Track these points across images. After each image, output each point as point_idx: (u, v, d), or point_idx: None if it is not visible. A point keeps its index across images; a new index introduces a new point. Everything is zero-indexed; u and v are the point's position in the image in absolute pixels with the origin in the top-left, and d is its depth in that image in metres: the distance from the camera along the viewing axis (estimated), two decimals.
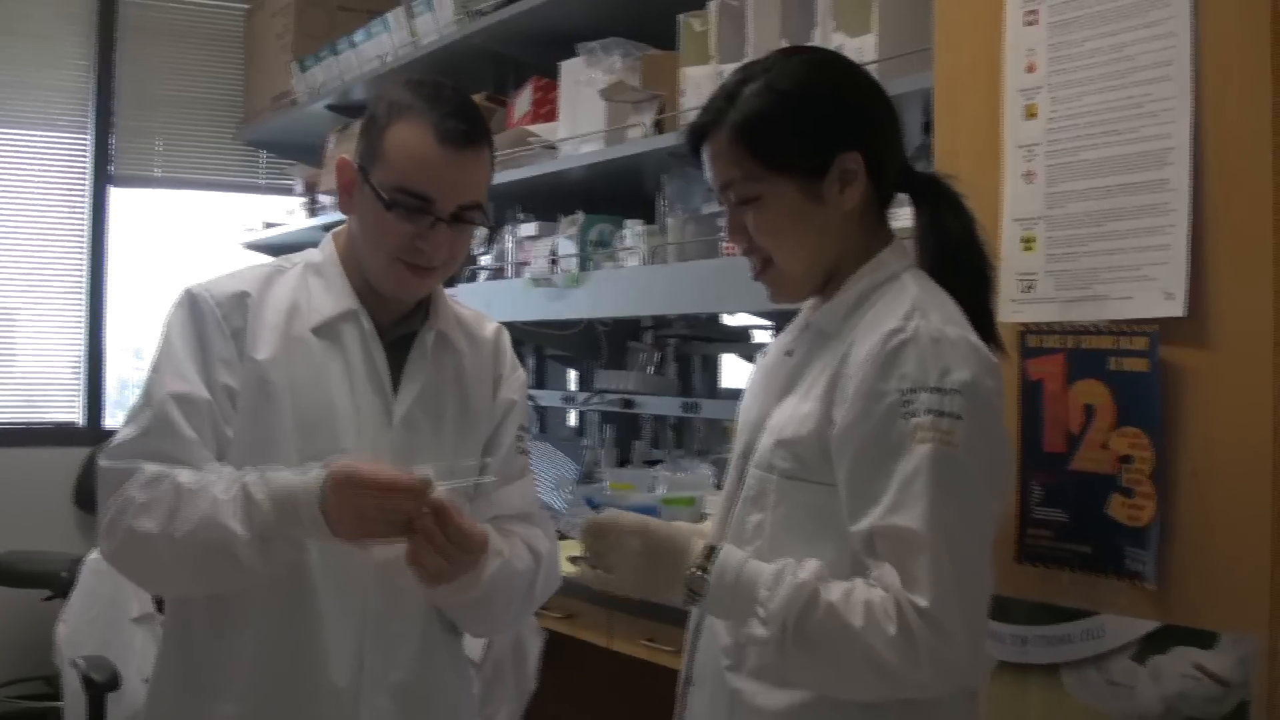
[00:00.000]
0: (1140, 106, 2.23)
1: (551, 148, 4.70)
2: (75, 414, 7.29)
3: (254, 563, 2.18)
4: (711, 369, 5.30)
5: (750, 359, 4.51)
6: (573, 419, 5.84)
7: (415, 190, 2.30)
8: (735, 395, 2.42)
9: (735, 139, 2.12)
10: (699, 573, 2.01)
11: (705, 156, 2.18)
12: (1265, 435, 2.06)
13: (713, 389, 5.21)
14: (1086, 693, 2.28)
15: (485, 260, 5.24)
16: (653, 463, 4.96)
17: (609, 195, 4.86)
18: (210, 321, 2.34)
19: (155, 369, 2.34)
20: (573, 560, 2.19)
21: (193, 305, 2.36)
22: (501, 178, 4.76)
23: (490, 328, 2.60)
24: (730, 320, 5.11)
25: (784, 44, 3.54)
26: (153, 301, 7.37)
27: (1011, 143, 2.44)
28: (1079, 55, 2.34)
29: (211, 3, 7.55)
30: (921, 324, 1.99)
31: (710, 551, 2.02)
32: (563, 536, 3.42)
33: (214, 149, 7.61)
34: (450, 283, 5.19)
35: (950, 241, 2.16)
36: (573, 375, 5.88)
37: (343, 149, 6.18)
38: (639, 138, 4.20)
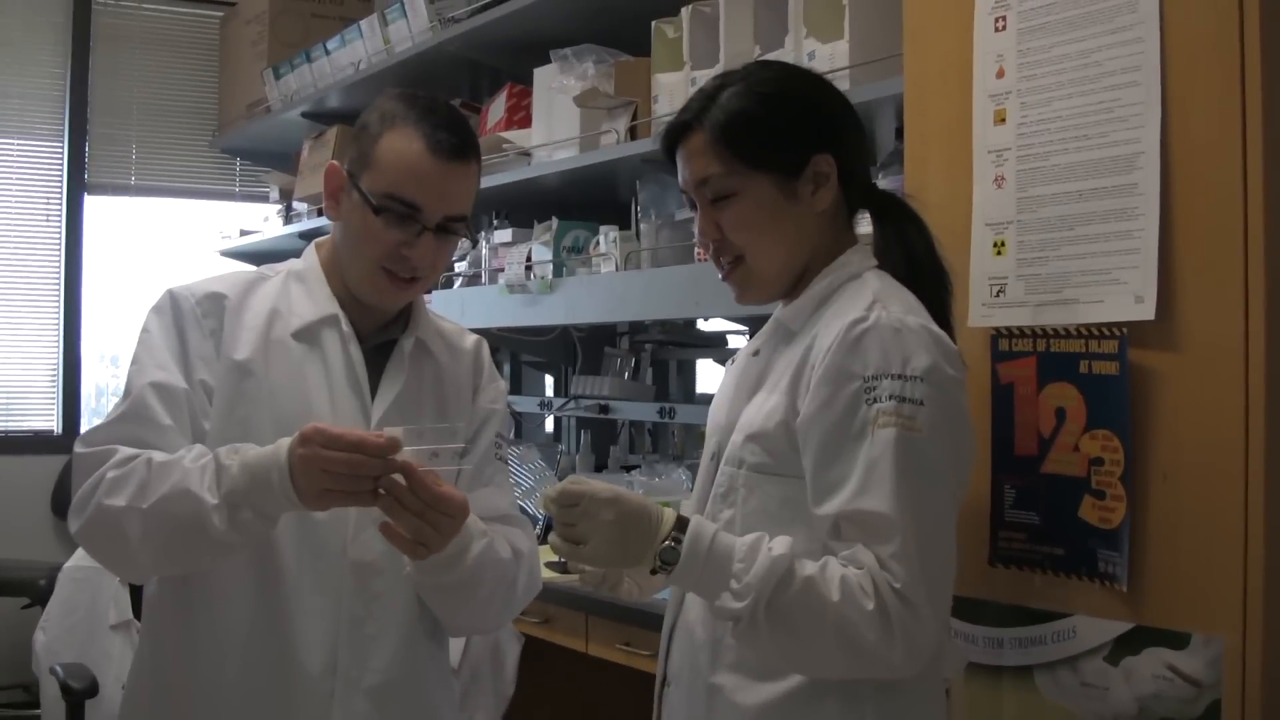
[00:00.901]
0: (1109, 111, 2.25)
1: (526, 154, 4.70)
2: (51, 422, 7.28)
3: (223, 533, 2.14)
4: (687, 374, 5.31)
5: (725, 364, 4.55)
6: (549, 425, 5.85)
7: (404, 198, 2.31)
8: (711, 400, 2.43)
9: (716, 136, 2.17)
10: (671, 543, 2.01)
11: (682, 155, 2.23)
12: (1235, 437, 2.07)
13: (689, 394, 5.23)
14: (1060, 694, 2.29)
15: (460, 266, 5.24)
16: (629, 468, 4.97)
17: (584, 201, 4.87)
18: (190, 319, 2.36)
19: (135, 361, 2.35)
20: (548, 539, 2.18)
21: (173, 303, 2.38)
22: None
23: (470, 340, 2.61)
24: (706, 325, 5.12)
25: (756, 50, 3.59)
26: (128, 309, 7.38)
27: (981, 148, 2.46)
28: (1048, 61, 2.35)
29: (185, 11, 7.54)
30: (883, 314, 2.04)
31: (682, 522, 2.03)
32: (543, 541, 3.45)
33: (189, 156, 7.59)
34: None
35: (911, 258, 2.20)
36: (549, 381, 5.88)
37: (317, 156, 6.20)
38: (613, 144, 4.20)
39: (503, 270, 4.81)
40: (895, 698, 2.04)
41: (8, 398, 7.25)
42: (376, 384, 2.43)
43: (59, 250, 7.21)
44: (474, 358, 2.58)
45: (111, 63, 7.33)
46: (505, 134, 4.85)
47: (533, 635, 4.06)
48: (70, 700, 4.05)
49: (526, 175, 4.67)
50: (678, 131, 2.24)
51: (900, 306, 2.06)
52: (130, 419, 2.28)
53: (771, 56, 3.51)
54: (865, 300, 2.07)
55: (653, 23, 4.03)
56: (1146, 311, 2.17)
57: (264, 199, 7.26)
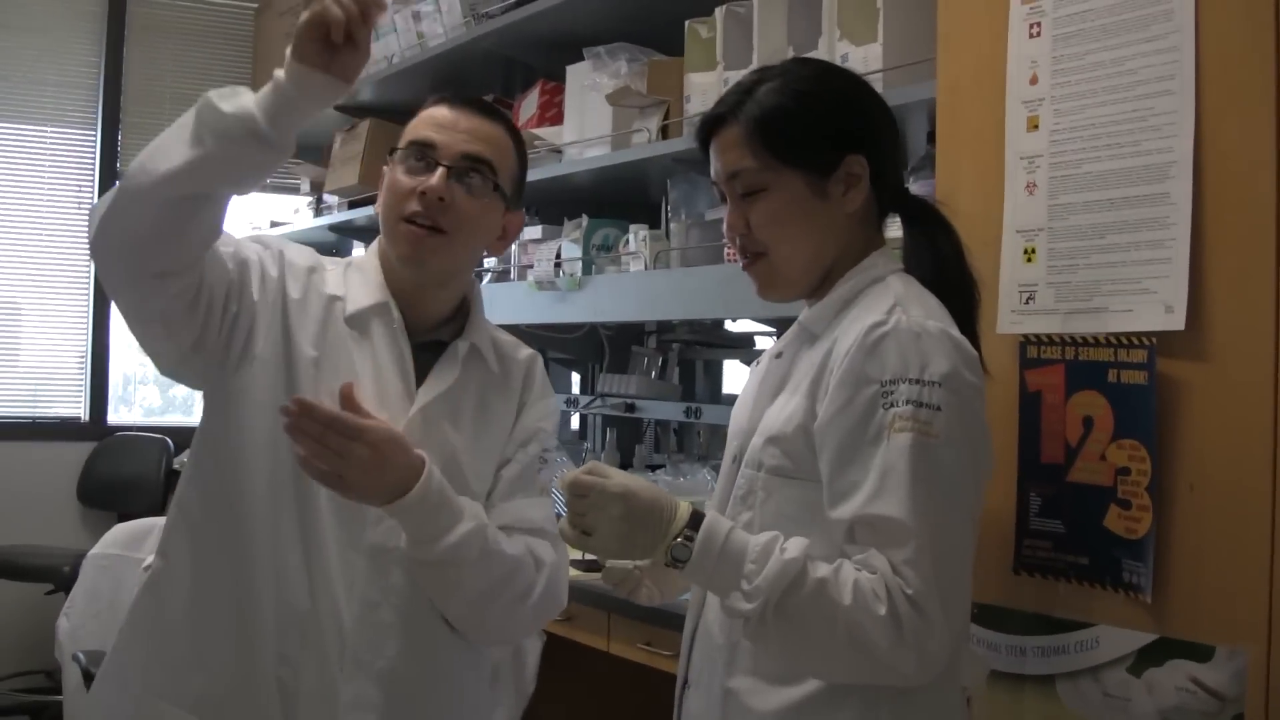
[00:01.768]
0: (1143, 120, 2.24)
1: (557, 151, 4.69)
2: (79, 409, 7.32)
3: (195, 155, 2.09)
4: (714, 374, 5.30)
5: (751, 364, 4.54)
6: (575, 422, 5.84)
7: (419, 138, 2.40)
8: (736, 401, 2.43)
9: (751, 130, 2.18)
10: (684, 540, 2.01)
11: (715, 147, 2.24)
12: (1262, 450, 2.06)
13: (715, 394, 5.21)
14: (1082, 704, 2.28)
15: (490, 262, 5.24)
16: (654, 467, 4.96)
17: (614, 199, 4.86)
18: (289, 272, 2.43)
19: None
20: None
21: (283, 254, 2.45)
22: None
23: (525, 353, 2.63)
24: (733, 326, 5.11)
25: (790, 51, 3.56)
26: None
27: (1013, 154, 2.45)
28: (1082, 68, 2.35)
29: (220, 2, 7.57)
30: (902, 318, 2.03)
31: (697, 519, 2.03)
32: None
33: None
34: None
35: (939, 265, 2.19)
36: (575, 378, 5.88)
37: (348, 149, 6.20)
38: (644, 142, 4.18)
39: (531, 267, 4.81)
40: (913, 705, 2.03)
41: (36, 384, 7.29)
42: (421, 378, 2.44)
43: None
44: (525, 371, 2.60)
45: (146, 53, 7.38)
46: (537, 130, 4.85)
47: (554, 633, 4.05)
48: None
49: (557, 172, 4.64)
50: (713, 123, 2.24)
51: (921, 311, 2.06)
52: None
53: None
54: (886, 304, 2.07)
55: (686, 22, 4.01)
56: (1176, 322, 2.16)
57: (294, 191, 7.25)
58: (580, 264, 4.53)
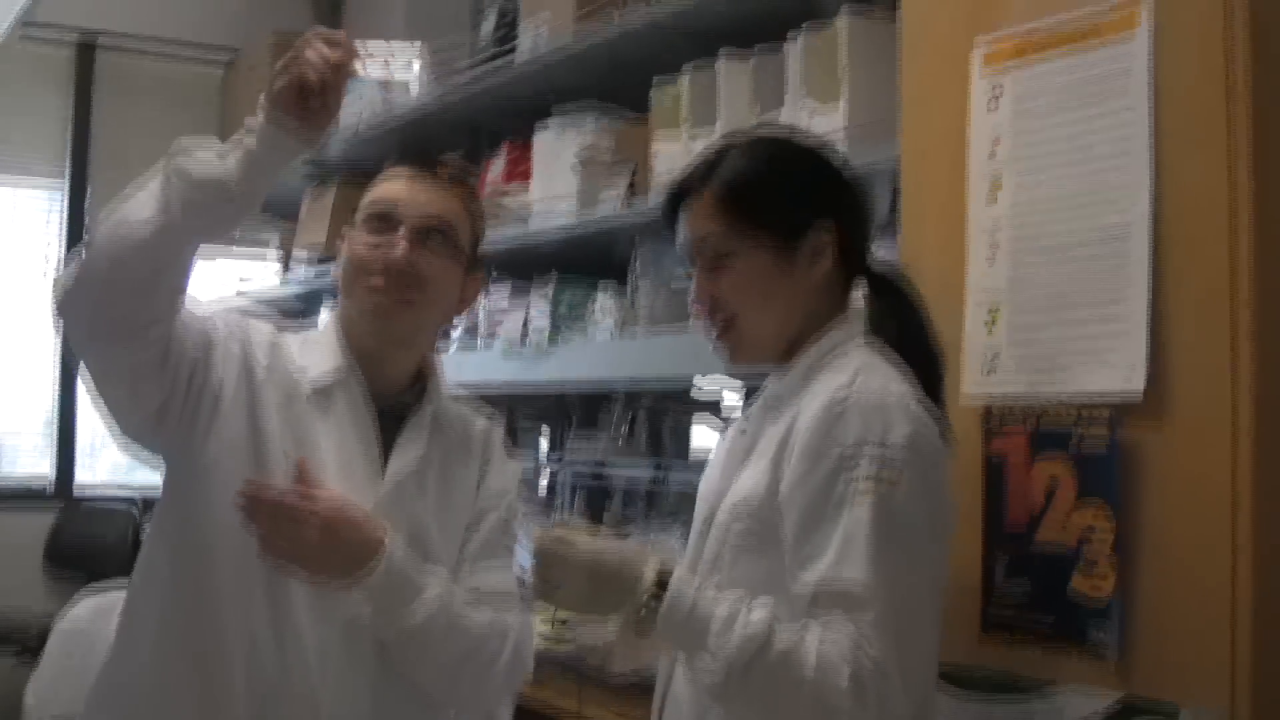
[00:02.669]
0: (1098, 192, 2.29)
1: (523, 214, 4.73)
2: (45, 472, 7.32)
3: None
4: (683, 435, 5.32)
5: (722, 423, 4.55)
6: (544, 483, 5.87)
7: (379, 201, 2.47)
8: (706, 462, 2.47)
9: (719, 196, 2.23)
10: (649, 604, 2.05)
11: (683, 215, 2.28)
12: (1223, 513, 2.09)
13: (684, 455, 5.24)
14: None
15: (456, 322, 5.27)
16: (625, 522, 4.98)
17: (583, 257, 4.85)
18: (250, 346, 2.44)
19: None
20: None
21: (247, 324, 2.49)
22: None
23: (482, 421, 2.65)
24: (703, 386, 5.14)
25: (755, 110, 3.62)
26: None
27: (975, 223, 2.50)
28: (1041, 140, 2.40)
29: (188, 63, 7.60)
30: (864, 388, 2.08)
31: (664, 579, 2.06)
32: None
33: None
34: None
35: (904, 333, 2.25)
36: (544, 440, 5.90)
37: (317, 206, 6.23)
38: (612, 200, 4.24)
39: (499, 327, 4.85)
40: None
41: (4, 450, 7.29)
42: (387, 446, 2.47)
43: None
44: (484, 440, 2.63)
45: (114, 111, 7.40)
46: (505, 188, 4.89)
47: (527, 695, 4.04)
48: None
49: (523, 234, 4.70)
50: (681, 193, 2.29)
51: (882, 380, 2.11)
52: None
53: (770, 117, 3.56)
54: (848, 374, 2.11)
55: (653, 81, 4.06)
56: (1135, 387, 2.20)
57: (264, 247, 7.25)
58: (547, 327, 4.57)
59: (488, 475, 2.60)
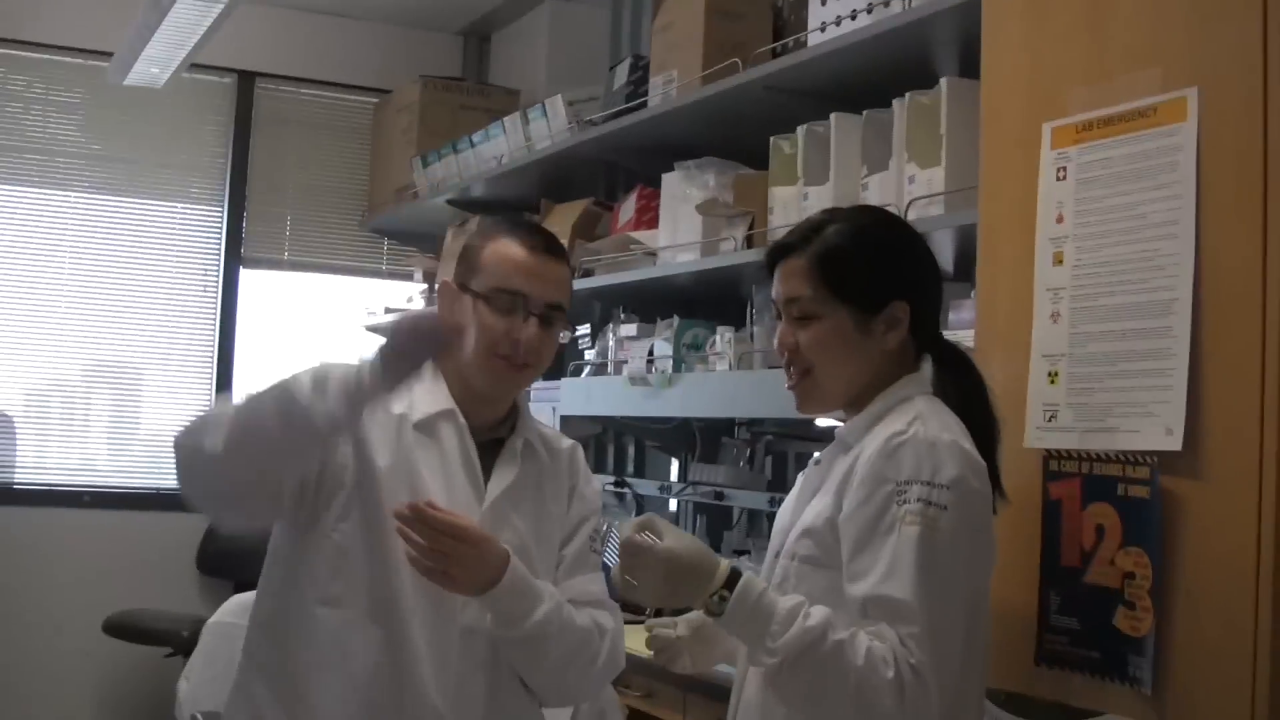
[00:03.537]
0: (1150, 260, 2.49)
1: (652, 254, 4.99)
2: None
3: (309, 404, 2.43)
4: (803, 465, 5.47)
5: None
6: (672, 506, 6.03)
7: (510, 288, 2.68)
8: None
9: (813, 264, 2.49)
10: (719, 598, 2.30)
11: (780, 272, 2.55)
12: (1249, 560, 2.30)
13: None
14: None
15: (589, 355, 5.53)
16: (741, 553, 5.17)
17: (704, 299, 5.13)
18: None
19: None
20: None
21: None
22: (606, 280, 5.08)
23: (567, 443, 2.92)
24: (821, 420, 5.31)
25: (864, 170, 3.84)
26: (277, 376, 7.70)
27: (1041, 285, 2.71)
28: (1100, 210, 2.61)
29: (341, 97, 7.86)
30: (920, 429, 2.33)
31: (734, 577, 2.31)
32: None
33: (339, 234, 7.88)
34: (556, 375, 5.50)
35: (965, 402, 2.47)
36: (674, 465, 6.08)
37: (459, 242, 6.50)
38: (731, 250, 4.47)
39: (626, 361, 5.09)
40: None
41: (160, 455, 7.45)
42: (485, 476, 2.73)
43: (214, 318, 7.50)
44: (569, 460, 2.89)
45: (270, 143, 7.65)
46: (634, 234, 5.15)
47: (635, 708, 4.29)
48: None
49: (651, 274, 4.97)
50: (781, 251, 2.56)
51: (938, 424, 2.35)
52: None
53: (875, 178, 3.78)
54: (909, 417, 2.37)
55: (770, 138, 4.28)
56: (1175, 443, 2.41)
57: (408, 277, 7.54)
58: (671, 362, 4.80)
59: (576, 492, 2.87)
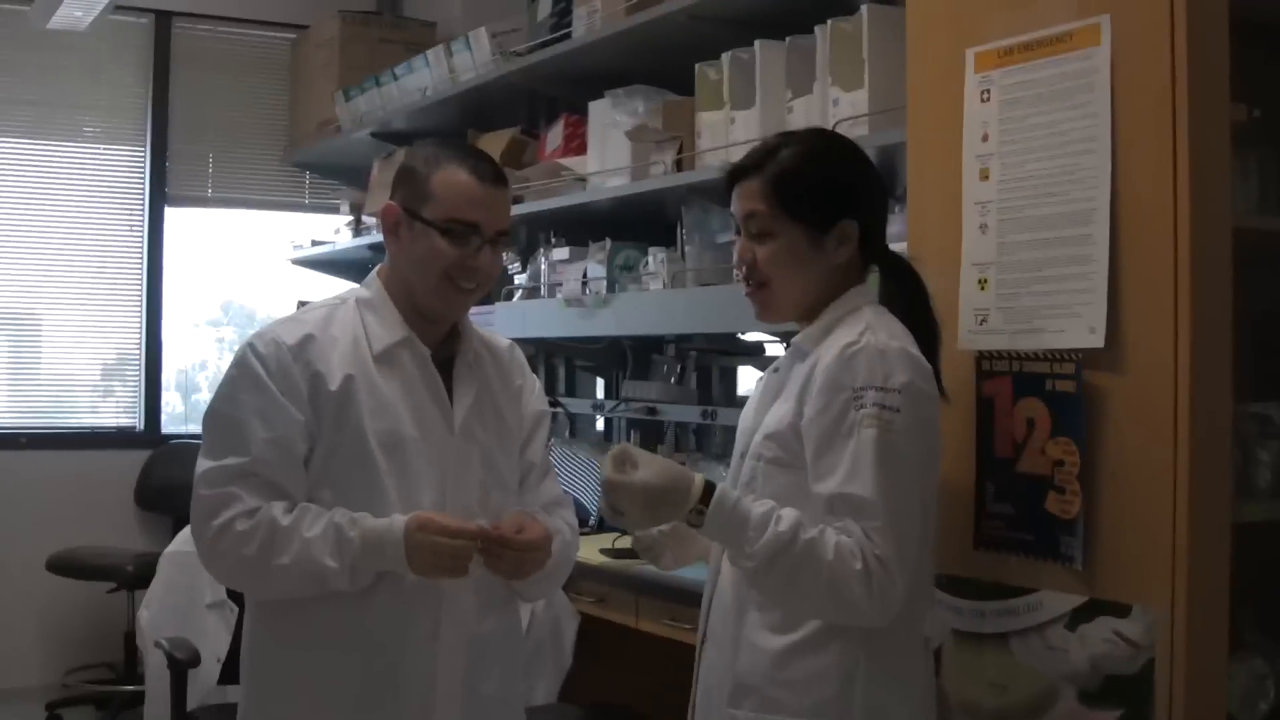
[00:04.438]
0: (1071, 174, 2.71)
1: (581, 180, 5.15)
2: (135, 419, 7.65)
3: (340, 586, 2.68)
4: (729, 379, 5.63)
5: (762, 370, 4.91)
6: (600, 425, 6.19)
7: (466, 219, 2.78)
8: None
9: (769, 185, 2.66)
10: (696, 511, 2.51)
11: (737, 191, 2.72)
12: (1166, 445, 2.53)
13: (730, 398, 5.54)
14: (1030, 656, 2.76)
15: (520, 279, 5.69)
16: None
17: (634, 223, 5.26)
18: (281, 370, 2.76)
19: (234, 405, 2.75)
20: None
21: (261, 359, 2.77)
22: (536, 206, 5.25)
23: (505, 343, 3.08)
24: (746, 335, 5.48)
25: (788, 94, 4.03)
26: (203, 311, 7.88)
27: (969, 200, 2.92)
28: (1023, 129, 2.81)
29: (258, 34, 7.93)
30: (871, 338, 2.53)
31: (709, 490, 2.51)
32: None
33: (261, 170, 7.99)
34: (489, 300, 5.66)
35: (909, 309, 2.68)
36: (600, 384, 6.23)
37: (386, 174, 6.62)
38: (661, 174, 4.63)
39: (560, 285, 5.25)
40: (883, 648, 2.53)
41: (95, 396, 7.66)
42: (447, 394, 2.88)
43: (142, 256, 7.60)
44: (511, 360, 3.05)
45: (190, 82, 7.71)
46: (563, 160, 5.30)
47: (588, 613, 4.50)
48: (175, 670, 4.34)
49: (582, 200, 5.13)
50: (739, 173, 2.72)
51: (886, 333, 2.55)
52: (248, 473, 2.70)
53: (800, 101, 3.97)
54: (859, 327, 2.56)
55: (696, 65, 4.44)
56: (1098, 340, 2.64)
57: (333, 210, 7.65)
58: (605, 283, 4.98)
59: (524, 392, 3.04)
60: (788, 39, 4.10)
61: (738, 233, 2.75)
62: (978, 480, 2.87)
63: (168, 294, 7.70)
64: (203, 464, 2.75)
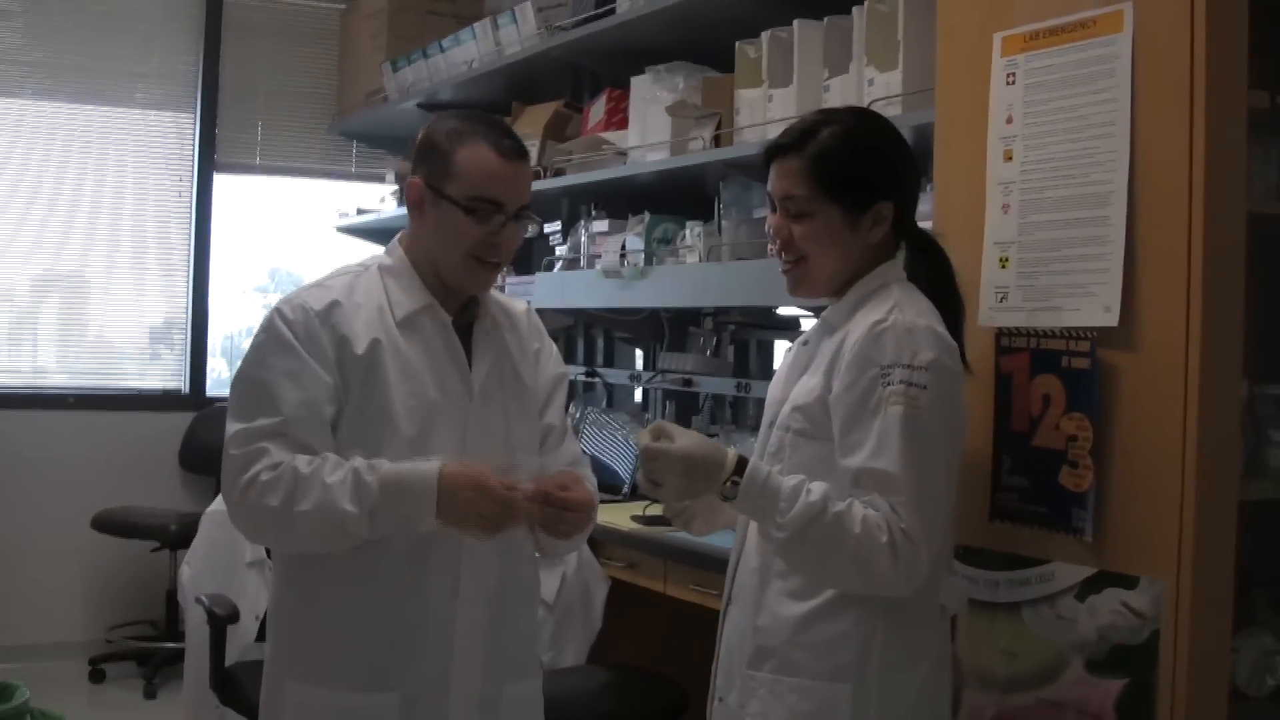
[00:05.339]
0: (1090, 157, 2.77)
1: (622, 154, 5.23)
2: (180, 382, 7.78)
3: (360, 532, 2.71)
4: (765, 353, 5.72)
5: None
6: (638, 395, 6.25)
7: (490, 197, 2.83)
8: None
9: (808, 165, 2.71)
10: (730, 484, 2.57)
11: (776, 169, 2.77)
12: (1176, 421, 2.61)
13: (766, 371, 5.60)
14: (1041, 625, 2.83)
15: (561, 251, 5.77)
16: (710, 437, 5.37)
17: (672, 197, 5.33)
18: (309, 334, 2.80)
19: (264, 370, 2.80)
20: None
21: (289, 324, 2.82)
22: (577, 179, 5.32)
23: (521, 307, 3.13)
24: (781, 309, 5.55)
25: (825, 74, 4.09)
26: (251, 278, 7.98)
27: (993, 180, 2.98)
28: (1046, 113, 2.88)
29: (309, 4, 8.03)
30: (899, 317, 2.59)
31: (742, 464, 2.58)
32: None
33: (309, 139, 8.08)
34: (528, 270, 5.75)
35: (936, 285, 2.75)
36: (639, 356, 6.32)
37: None
38: (699, 149, 4.70)
39: (599, 257, 5.33)
40: (900, 615, 2.61)
41: (142, 359, 7.78)
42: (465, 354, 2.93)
43: (189, 222, 7.72)
44: (528, 324, 3.10)
45: (240, 49, 7.82)
46: (604, 134, 5.38)
47: (618, 578, 4.60)
48: (214, 625, 4.45)
49: (622, 173, 5.20)
50: (778, 150, 2.77)
51: (914, 311, 2.61)
52: (278, 433, 2.74)
53: (836, 80, 4.03)
54: (888, 305, 2.63)
55: (736, 43, 4.51)
56: (1112, 319, 2.71)
57: (379, 179, 7.76)
58: (642, 255, 5.05)
59: (541, 356, 3.09)
60: (826, 19, 4.16)
61: (772, 208, 2.80)
62: (994, 453, 2.94)
63: (215, 260, 7.81)
64: (232, 426, 2.79)
